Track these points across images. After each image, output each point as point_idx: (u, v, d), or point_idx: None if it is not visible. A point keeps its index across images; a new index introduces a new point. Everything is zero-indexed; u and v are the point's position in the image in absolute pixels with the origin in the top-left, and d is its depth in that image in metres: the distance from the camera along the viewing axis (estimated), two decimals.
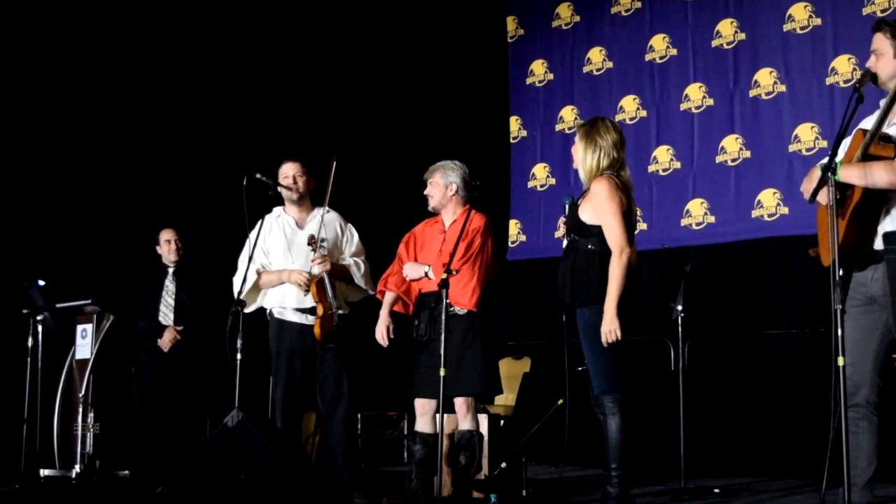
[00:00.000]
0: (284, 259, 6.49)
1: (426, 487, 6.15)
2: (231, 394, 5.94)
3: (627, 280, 5.02)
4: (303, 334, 6.39)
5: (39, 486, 7.48)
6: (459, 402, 6.16)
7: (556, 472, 7.82)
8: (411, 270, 6.28)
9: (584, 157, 5.21)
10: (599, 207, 5.07)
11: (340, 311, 6.44)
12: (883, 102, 4.40)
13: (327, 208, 6.60)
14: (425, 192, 6.39)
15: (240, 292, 6.23)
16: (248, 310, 6.50)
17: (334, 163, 6.50)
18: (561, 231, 5.41)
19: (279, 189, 6.49)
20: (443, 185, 6.32)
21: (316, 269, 6.35)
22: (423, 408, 6.25)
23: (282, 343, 6.45)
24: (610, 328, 4.94)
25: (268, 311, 6.56)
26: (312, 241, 6.35)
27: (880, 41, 4.46)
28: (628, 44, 9.43)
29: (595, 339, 5.03)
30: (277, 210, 6.66)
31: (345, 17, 10.37)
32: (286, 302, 6.45)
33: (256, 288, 6.50)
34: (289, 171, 6.57)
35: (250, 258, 6.32)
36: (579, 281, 5.10)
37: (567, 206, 5.36)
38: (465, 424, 6.19)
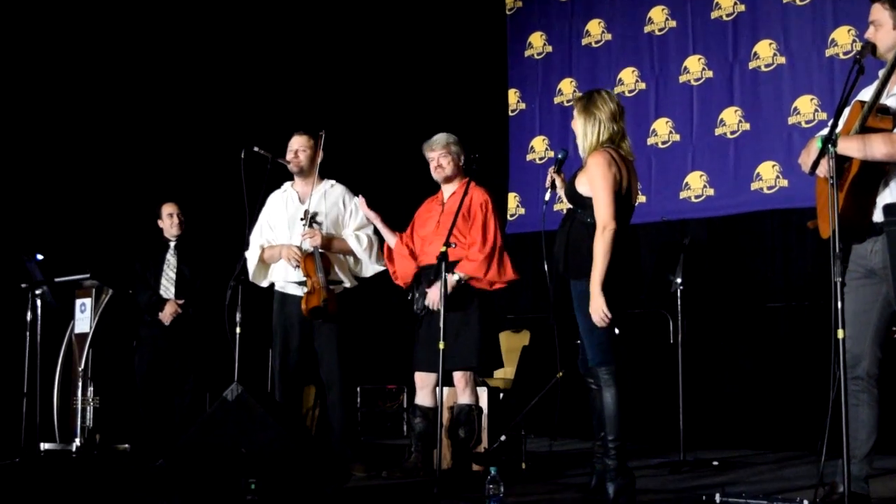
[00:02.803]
0: (286, 233, 6.51)
1: (426, 460, 6.18)
2: (231, 367, 5.95)
3: (623, 253, 5.01)
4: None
5: (39, 460, 7.50)
6: (458, 376, 6.18)
7: (556, 445, 7.85)
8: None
9: (583, 132, 5.17)
10: (592, 181, 5.04)
11: (346, 285, 6.46)
12: (881, 73, 4.38)
13: (332, 182, 6.62)
14: (438, 163, 6.32)
15: (244, 268, 6.26)
16: (263, 284, 6.60)
17: (322, 135, 6.50)
18: (548, 181, 5.40)
19: (284, 163, 6.51)
20: (454, 154, 6.31)
21: (306, 244, 6.36)
22: (423, 381, 6.27)
23: (282, 316, 6.49)
24: (597, 307, 4.92)
25: (275, 282, 6.60)
26: (306, 216, 6.36)
27: (879, 12, 4.44)
28: (627, 16, 9.39)
29: (589, 312, 5.03)
30: (285, 185, 6.69)
31: None
32: (289, 276, 6.47)
33: (263, 263, 6.53)
34: (292, 145, 6.58)
35: (250, 232, 6.34)
36: (574, 252, 5.09)
37: (558, 159, 5.42)
38: (463, 398, 6.21)
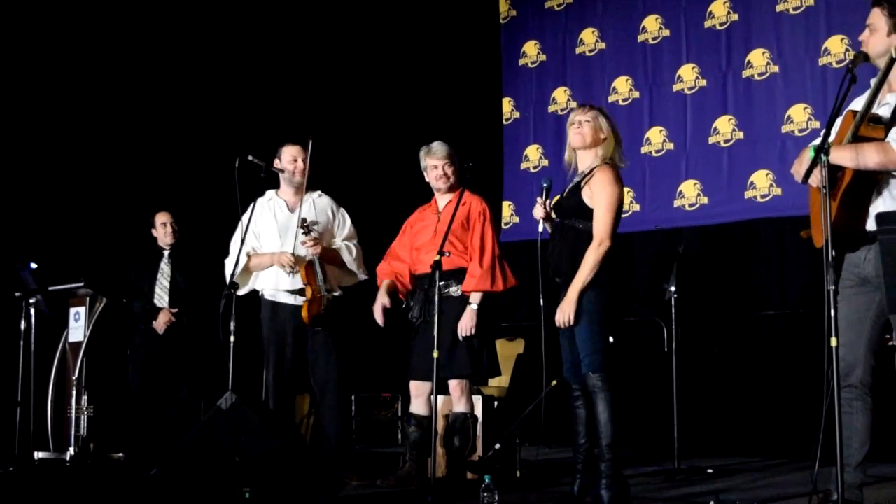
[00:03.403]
0: (276, 242, 6.49)
1: (420, 469, 6.17)
2: (225, 376, 5.94)
3: (617, 263, 5.16)
4: (295, 316, 6.39)
5: (33, 469, 7.48)
6: (453, 385, 6.18)
7: (550, 453, 7.84)
8: None
9: (602, 138, 5.27)
10: (598, 195, 5.13)
11: (335, 293, 6.45)
12: (873, 82, 4.40)
13: (319, 192, 6.62)
14: (443, 172, 6.30)
15: (232, 275, 6.22)
16: (240, 292, 6.51)
17: (311, 142, 6.49)
18: (539, 212, 5.37)
19: (277, 171, 6.51)
20: (456, 164, 6.31)
21: (305, 252, 6.35)
22: (418, 390, 6.27)
23: (274, 325, 6.46)
24: (568, 310, 5.07)
25: (260, 292, 6.56)
26: (304, 225, 6.34)
27: (877, 17, 4.45)
28: (621, 25, 9.41)
29: (594, 320, 5.09)
30: (269, 193, 6.65)
31: None
32: (280, 284, 6.45)
33: (247, 270, 6.50)
34: (295, 154, 6.56)
35: (242, 241, 6.31)
36: (577, 263, 5.12)
37: (545, 188, 5.39)
38: (459, 407, 6.21)
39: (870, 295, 4.39)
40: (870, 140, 4.25)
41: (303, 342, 6.43)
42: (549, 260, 5.31)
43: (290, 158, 6.56)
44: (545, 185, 5.42)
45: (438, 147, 6.32)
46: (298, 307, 6.38)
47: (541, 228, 5.42)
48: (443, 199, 6.37)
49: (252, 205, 6.47)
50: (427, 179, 6.42)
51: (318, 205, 6.61)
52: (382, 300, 6.35)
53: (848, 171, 4.27)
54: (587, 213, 5.16)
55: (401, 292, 6.44)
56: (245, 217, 6.43)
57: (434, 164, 6.32)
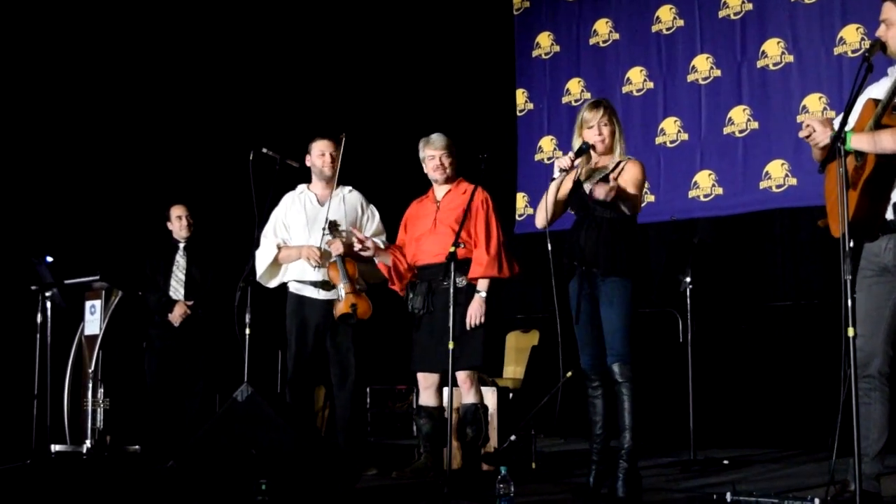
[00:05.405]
0: (304, 234, 6.53)
1: (435, 460, 6.17)
2: (241, 368, 5.95)
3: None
4: (318, 311, 6.43)
5: (50, 462, 7.52)
6: (462, 376, 6.14)
7: (565, 445, 7.85)
8: None
9: (618, 137, 5.32)
10: (631, 180, 5.15)
11: (360, 288, 6.48)
12: (891, 71, 4.38)
13: (350, 188, 6.66)
14: (440, 162, 6.27)
15: (253, 268, 6.24)
16: (270, 285, 6.63)
17: (343, 138, 6.51)
18: (565, 162, 5.12)
19: (290, 164, 6.52)
20: (454, 156, 6.31)
21: (331, 251, 6.37)
22: (426, 381, 6.26)
23: (298, 318, 6.49)
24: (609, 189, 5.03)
25: (288, 284, 6.60)
26: (330, 226, 6.35)
27: (890, 10, 4.43)
28: (635, 15, 9.38)
29: (625, 311, 5.10)
30: (301, 187, 6.71)
31: None
32: (305, 275, 6.48)
33: (277, 263, 6.54)
34: (324, 148, 6.60)
35: (260, 230, 6.34)
36: (609, 251, 5.12)
37: (582, 150, 5.24)
38: (469, 398, 6.18)
39: (889, 284, 4.38)
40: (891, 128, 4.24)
41: (324, 336, 6.46)
42: (573, 250, 5.24)
43: (318, 153, 6.61)
44: (584, 146, 5.26)
45: (436, 138, 6.33)
46: (322, 302, 6.43)
47: (556, 175, 5.19)
48: (440, 190, 6.36)
49: (280, 197, 6.49)
50: (425, 170, 6.42)
51: (348, 200, 6.65)
52: None
53: (870, 161, 4.27)
54: (617, 204, 5.14)
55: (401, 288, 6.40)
56: (277, 211, 6.53)
57: (431, 154, 6.31)
